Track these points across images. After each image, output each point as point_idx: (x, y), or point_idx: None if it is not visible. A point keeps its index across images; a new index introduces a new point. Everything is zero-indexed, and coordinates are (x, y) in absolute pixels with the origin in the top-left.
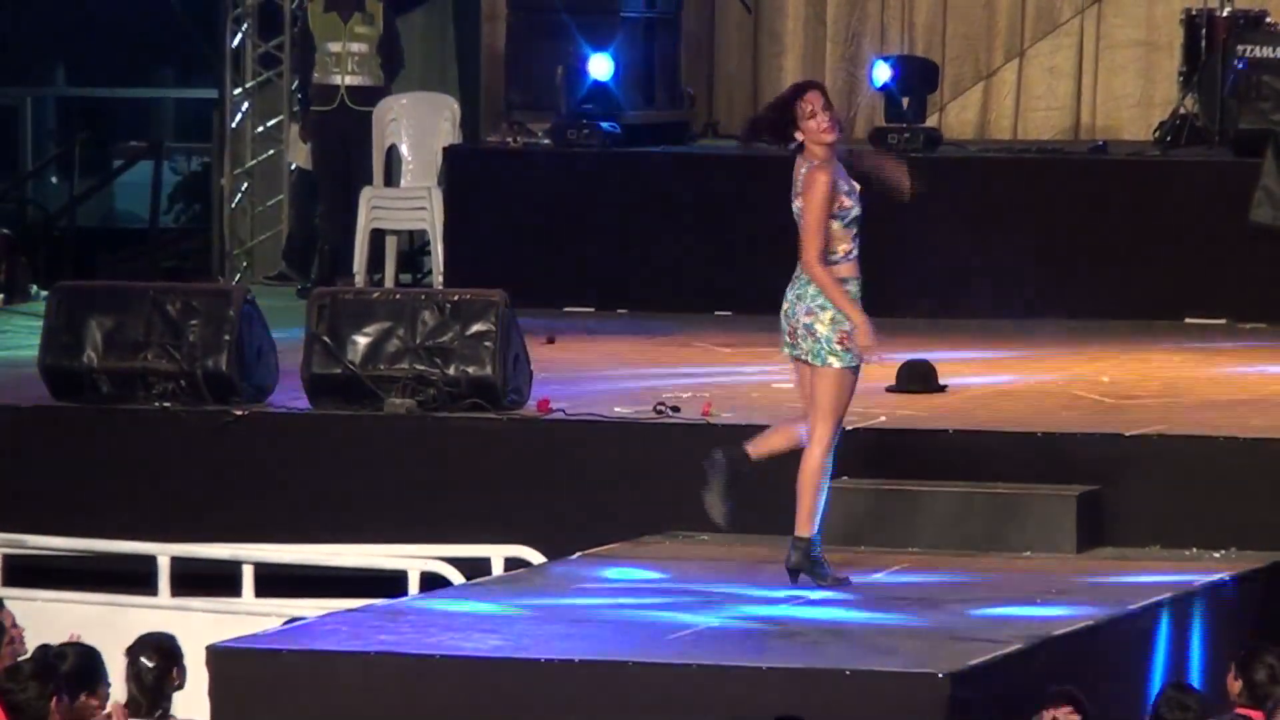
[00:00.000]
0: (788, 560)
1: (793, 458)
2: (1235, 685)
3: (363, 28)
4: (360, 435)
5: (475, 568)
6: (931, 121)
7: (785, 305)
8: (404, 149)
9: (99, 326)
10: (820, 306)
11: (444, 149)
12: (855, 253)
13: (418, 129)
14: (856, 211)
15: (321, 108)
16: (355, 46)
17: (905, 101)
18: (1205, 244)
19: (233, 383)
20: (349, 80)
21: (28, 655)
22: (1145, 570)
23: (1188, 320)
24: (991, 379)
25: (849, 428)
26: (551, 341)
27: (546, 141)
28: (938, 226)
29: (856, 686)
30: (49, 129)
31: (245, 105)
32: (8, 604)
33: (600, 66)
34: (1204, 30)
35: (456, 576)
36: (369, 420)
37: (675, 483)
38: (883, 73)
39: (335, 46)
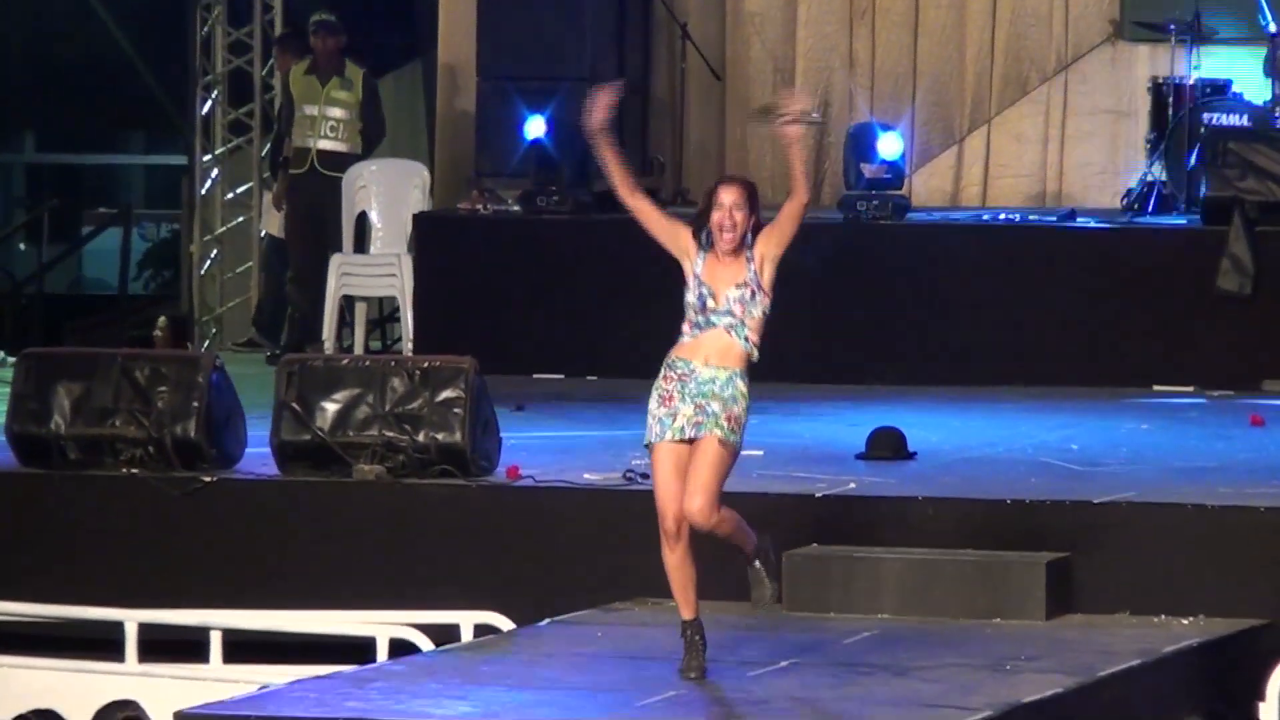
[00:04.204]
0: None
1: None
2: None
3: (340, 93)
4: (329, 502)
5: (444, 634)
6: (900, 189)
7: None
8: (374, 215)
9: (67, 393)
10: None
11: (414, 216)
12: (688, 338)
13: (388, 195)
14: (690, 298)
15: (294, 171)
16: (331, 111)
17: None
18: (1173, 312)
19: (201, 449)
20: (321, 144)
21: None
22: (1114, 637)
23: (1156, 388)
24: (960, 446)
25: (819, 494)
26: (521, 408)
27: (516, 208)
28: (907, 294)
29: None
30: (17, 195)
31: (215, 172)
32: None
33: (535, 127)
34: (1171, 98)
35: (425, 643)
36: (338, 487)
37: (645, 549)
38: (892, 146)
39: (311, 110)
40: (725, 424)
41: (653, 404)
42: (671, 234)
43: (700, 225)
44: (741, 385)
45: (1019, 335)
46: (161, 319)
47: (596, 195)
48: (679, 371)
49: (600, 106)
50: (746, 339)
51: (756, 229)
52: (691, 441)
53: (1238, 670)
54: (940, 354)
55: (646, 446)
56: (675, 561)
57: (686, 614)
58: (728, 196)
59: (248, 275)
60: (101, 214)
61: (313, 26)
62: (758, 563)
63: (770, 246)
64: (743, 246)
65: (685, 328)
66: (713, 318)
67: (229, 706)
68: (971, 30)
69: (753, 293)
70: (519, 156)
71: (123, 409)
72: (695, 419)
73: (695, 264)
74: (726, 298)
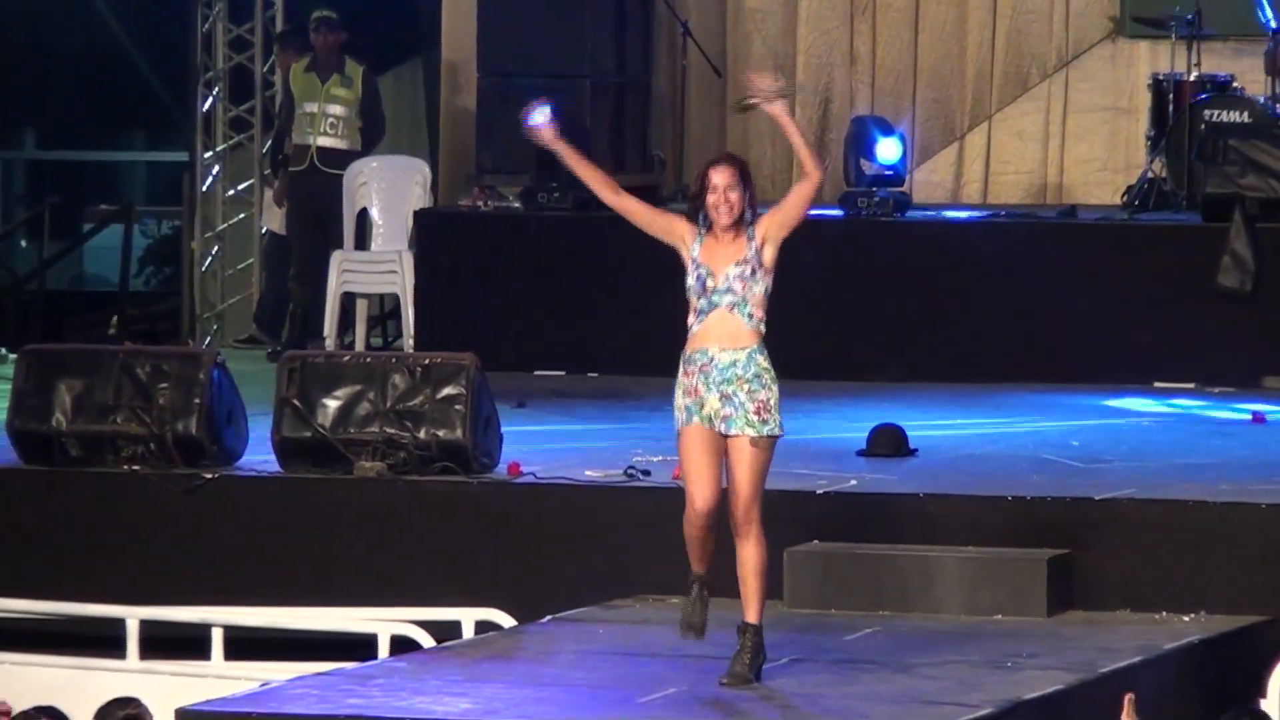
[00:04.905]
0: (750, 661)
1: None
2: None
3: (340, 90)
4: (330, 499)
5: (446, 631)
6: (901, 185)
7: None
8: (375, 212)
9: (68, 390)
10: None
11: (415, 212)
12: (696, 327)
13: (389, 192)
14: (690, 281)
15: (294, 168)
16: (331, 108)
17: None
18: (1174, 308)
19: (203, 446)
20: (321, 141)
21: None
22: (1116, 634)
23: (1157, 385)
24: (961, 443)
25: (819, 491)
26: (522, 405)
27: (517, 205)
28: (907, 291)
29: None
30: (18, 192)
31: (216, 169)
32: None
33: (540, 115)
34: (1171, 95)
35: (427, 640)
36: (339, 484)
37: (646, 546)
38: (890, 151)
39: (311, 107)
40: (755, 418)
41: (677, 398)
42: (664, 224)
43: (695, 208)
44: (762, 360)
45: (1019, 332)
46: (114, 318)
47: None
48: (699, 364)
49: (540, 126)
50: (751, 315)
51: (754, 206)
52: (723, 435)
53: (1239, 667)
54: (940, 350)
55: (678, 434)
56: (697, 536)
57: (698, 567)
58: (720, 178)
59: (249, 272)
60: (103, 211)
61: (313, 23)
62: (750, 632)
63: (773, 228)
64: (742, 225)
65: (690, 318)
66: (714, 298)
67: (230, 703)
68: (972, 27)
69: (753, 270)
70: (520, 146)
71: (124, 406)
72: (723, 411)
73: (692, 248)
74: (726, 275)
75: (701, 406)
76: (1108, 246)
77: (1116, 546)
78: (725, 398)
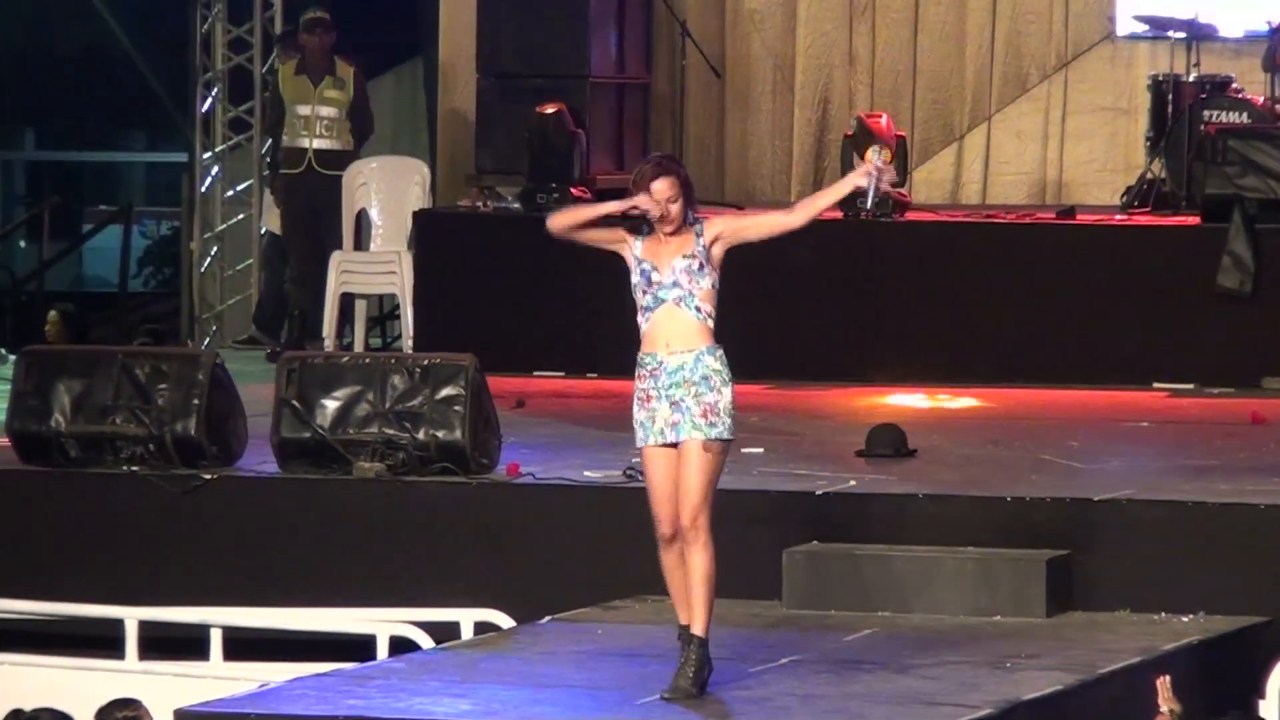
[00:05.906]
0: (694, 675)
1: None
2: None
3: (332, 91)
4: (329, 499)
5: (445, 631)
6: (900, 186)
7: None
8: (374, 213)
9: (67, 391)
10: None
11: (414, 213)
12: (645, 326)
13: (388, 193)
14: (635, 279)
15: (290, 171)
16: (324, 110)
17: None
18: (1173, 309)
19: (201, 447)
20: (317, 144)
21: None
22: (1115, 635)
23: (1156, 385)
24: (960, 443)
25: (819, 492)
26: (521, 405)
27: (516, 205)
28: (906, 291)
29: None
30: (18, 193)
31: (215, 169)
32: None
33: (549, 107)
34: (1170, 96)
35: (426, 640)
36: (338, 484)
37: (645, 547)
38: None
39: (304, 110)
40: (702, 421)
41: (635, 408)
42: (607, 234)
43: (633, 209)
44: (712, 361)
45: (1018, 332)
46: (53, 312)
47: (598, 193)
48: (649, 368)
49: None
50: (698, 309)
51: (693, 206)
52: (676, 445)
53: (1238, 667)
54: (940, 351)
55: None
56: (671, 564)
57: (684, 618)
58: (661, 191)
59: (248, 272)
60: (102, 211)
61: (306, 24)
62: (695, 644)
63: (728, 235)
64: (684, 224)
65: (639, 318)
66: (659, 292)
67: (229, 704)
68: (971, 27)
69: (700, 265)
70: (525, 139)
71: (123, 406)
72: (672, 419)
73: (634, 246)
74: (673, 268)
75: (654, 420)
76: (1107, 247)
77: (1116, 547)
78: (674, 404)
